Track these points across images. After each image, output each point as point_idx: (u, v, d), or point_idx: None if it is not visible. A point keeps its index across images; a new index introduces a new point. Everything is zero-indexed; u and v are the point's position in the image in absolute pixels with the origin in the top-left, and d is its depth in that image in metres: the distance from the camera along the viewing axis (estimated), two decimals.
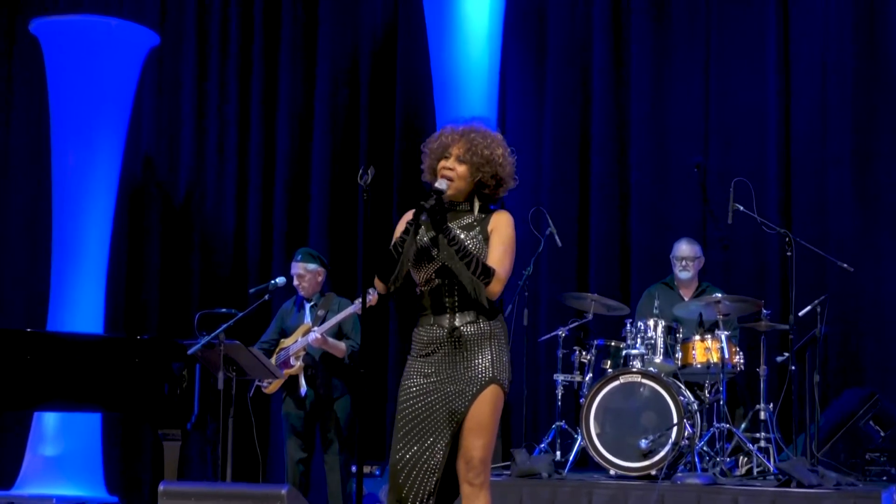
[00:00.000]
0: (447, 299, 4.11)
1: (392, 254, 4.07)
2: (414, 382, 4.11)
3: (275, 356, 6.87)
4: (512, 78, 9.14)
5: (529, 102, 9.14)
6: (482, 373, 4.07)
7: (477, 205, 4.23)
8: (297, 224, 9.40)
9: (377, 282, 4.14)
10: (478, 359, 4.08)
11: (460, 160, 4.16)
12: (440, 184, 4.11)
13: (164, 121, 9.87)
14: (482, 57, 8.90)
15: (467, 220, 4.21)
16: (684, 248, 7.57)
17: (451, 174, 4.15)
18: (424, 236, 4.11)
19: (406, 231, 4.05)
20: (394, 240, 4.12)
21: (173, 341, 6.68)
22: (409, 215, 4.15)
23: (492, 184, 4.20)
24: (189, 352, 6.23)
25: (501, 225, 4.18)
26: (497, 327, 4.16)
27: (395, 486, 4.06)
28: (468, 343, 4.09)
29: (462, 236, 4.12)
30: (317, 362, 6.83)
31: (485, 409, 4.05)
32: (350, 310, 6.66)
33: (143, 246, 9.71)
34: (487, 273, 4.07)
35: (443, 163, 4.18)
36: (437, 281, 4.12)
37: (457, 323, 4.09)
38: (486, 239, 4.15)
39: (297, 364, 6.79)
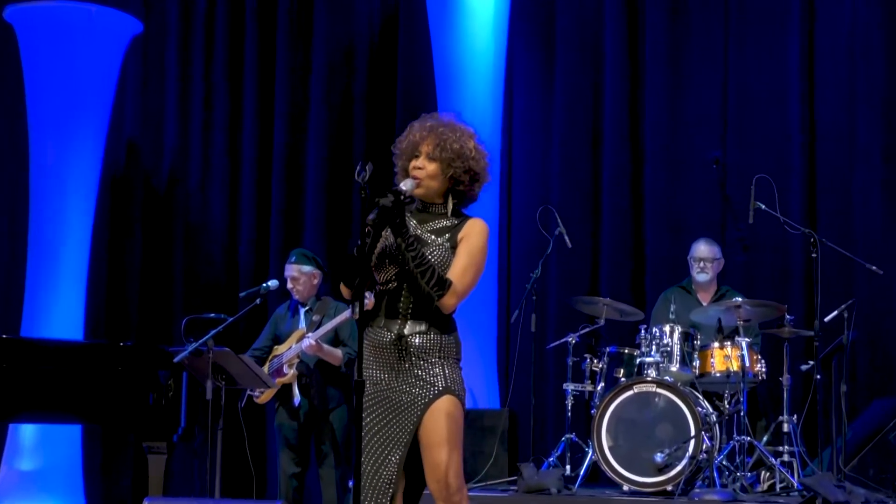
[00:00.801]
0: (401, 304, 4.10)
1: (353, 256, 4.01)
2: (366, 391, 4.09)
3: (267, 364, 6.86)
4: (519, 69, 9.14)
5: (537, 95, 9.13)
6: (433, 383, 4.06)
7: (451, 205, 4.21)
8: (291, 223, 9.38)
9: (342, 287, 4.13)
10: (426, 370, 4.07)
11: (430, 157, 4.15)
12: (405, 183, 4.08)
13: (149, 113, 9.86)
14: (487, 47, 8.90)
15: (440, 223, 4.19)
16: (702, 249, 7.55)
17: (420, 174, 4.14)
18: (390, 236, 4.09)
19: (367, 233, 4.01)
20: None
21: (158, 348, 6.67)
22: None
23: (465, 179, 4.18)
24: (175, 359, 6.21)
25: (472, 234, 4.16)
26: (449, 342, 4.14)
27: (357, 502, 4.05)
28: (415, 353, 4.08)
29: (428, 241, 4.11)
30: (311, 370, 6.82)
31: (443, 422, 4.03)
32: (346, 314, 6.65)
33: (127, 246, 9.69)
34: (442, 285, 4.05)
35: (413, 162, 4.17)
36: (395, 283, 4.12)
37: (406, 331, 4.09)
38: (455, 247, 4.14)
39: (291, 372, 6.78)
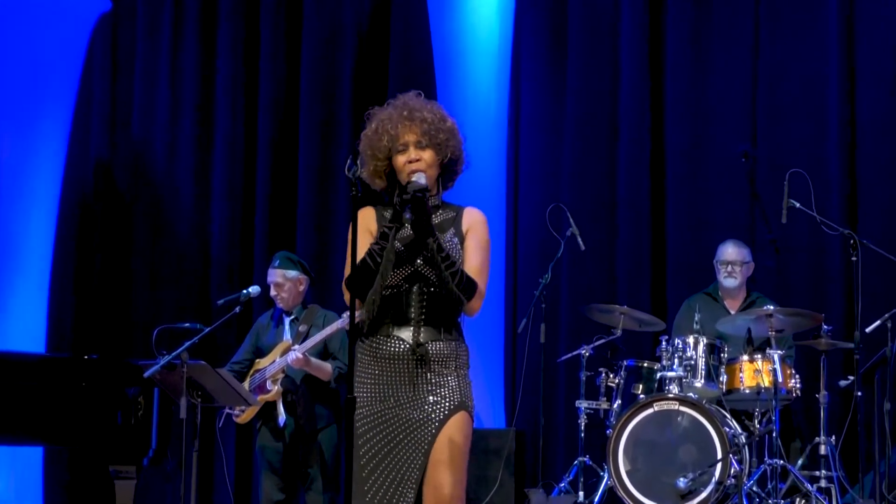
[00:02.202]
0: (413, 310, 4.08)
1: (369, 264, 3.98)
2: (371, 409, 4.06)
3: (248, 379, 6.84)
4: (527, 56, 9.14)
5: (547, 84, 9.12)
6: (450, 397, 4.05)
7: (441, 193, 4.20)
8: (280, 224, 9.33)
9: (347, 294, 4.07)
10: (443, 381, 4.06)
11: (421, 146, 4.12)
12: (418, 178, 4.03)
13: (118, 103, 9.80)
14: (492, 32, 8.92)
15: (439, 217, 4.18)
16: (730, 252, 7.55)
17: (420, 165, 4.10)
18: (401, 237, 4.06)
19: (383, 236, 3.98)
20: (357, 246, 4.01)
21: (127, 362, 6.66)
22: (366, 213, 4.10)
23: (460, 157, 4.18)
24: (146, 374, 6.19)
25: (478, 226, 4.18)
26: (462, 349, 4.15)
27: None
28: (433, 363, 4.06)
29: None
30: (298, 386, 6.80)
31: (456, 440, 4.03)
32: (337, 325, 6.62)
33: (93, 250, 9.65)
34: (472, 288, 4.05)
35: (402, 158, 4.11)
36: (404, 287, 4.08)
37: (422, 339, 4.06)
38: (462, 241, 4.13)
39: (275, 389, 6.77)
